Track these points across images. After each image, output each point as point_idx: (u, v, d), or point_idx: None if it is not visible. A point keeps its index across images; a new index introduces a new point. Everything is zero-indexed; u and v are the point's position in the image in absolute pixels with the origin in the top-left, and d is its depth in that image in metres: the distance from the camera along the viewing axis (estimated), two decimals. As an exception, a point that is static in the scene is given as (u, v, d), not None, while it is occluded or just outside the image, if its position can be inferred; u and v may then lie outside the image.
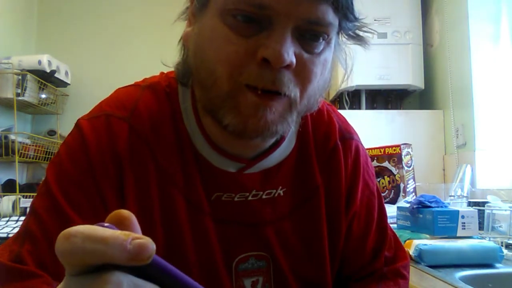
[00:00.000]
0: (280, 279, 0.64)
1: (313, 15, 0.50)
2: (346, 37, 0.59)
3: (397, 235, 0.76)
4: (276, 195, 0.64)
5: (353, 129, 0.73)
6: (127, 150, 0.58)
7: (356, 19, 0.55)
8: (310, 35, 0.52)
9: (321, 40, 0.53)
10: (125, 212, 0.32)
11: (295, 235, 0.64)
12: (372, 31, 0.61)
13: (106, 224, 0.31)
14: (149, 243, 0.29)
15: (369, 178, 0.72)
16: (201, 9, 0.55)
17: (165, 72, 0.66)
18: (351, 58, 0.63)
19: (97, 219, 0.54)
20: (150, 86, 0.63)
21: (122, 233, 0.29)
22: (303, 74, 0.53)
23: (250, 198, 0.62)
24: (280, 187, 0.64)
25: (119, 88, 0.65)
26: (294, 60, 0.50)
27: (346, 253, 0.69)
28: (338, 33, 0.57)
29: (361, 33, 0.59)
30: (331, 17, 0.51)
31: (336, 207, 0.67)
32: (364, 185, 0.70)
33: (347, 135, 0.70)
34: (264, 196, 0.63)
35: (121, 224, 0.31)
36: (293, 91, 0.52)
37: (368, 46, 0.61)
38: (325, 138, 0.68)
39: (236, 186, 0.62)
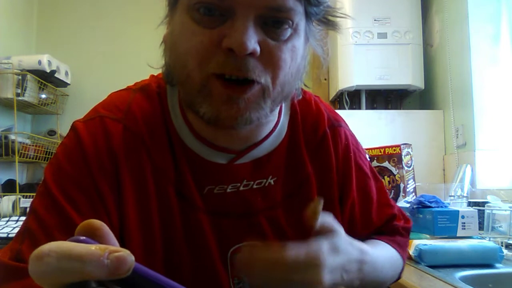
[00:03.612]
0: None
1: (273, 2, 0.52)
2: (316, 23, 0.60)
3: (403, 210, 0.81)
4: (266, 184, 0.65)
5: (340, 117, 0.75)
6: (123, 148, 0.59)
7: (320, 3, 0.56)
8: (274, 22, 0.54)
9: (285, 27, 0.54)
10: (96, 222, 0.31)
11: (287, 223, 0.66)
12: (344, 15, 0.61)
13: (82, 238, 0.30)
14: (127, 255, 0.29)
15: (362, 162, 0.74)
16: (172, 8, 0.58)
17: (155, 74, 0.68)
18: (326, 44, 0.64)
19: (95, 216, 0.55)
20: (142, 89, 0.65)
21: (98, 247, 0.29)
22: (271, 60, 0.54)
23: (241, 188, 0.64)
24: (271, 176, 0.65)
25: (112, 93, 0.67)
26: (257, 48, 0.52)
27: (350, 235, 0.71)
28: (307, 20, 0.58)
29: (332, 18, 0.60)
30: (292, 2, 0.53)
31: (328, 194, 0.68)
32: (357, 170, 0.72)
33: (336, 123, 0.72)
34: (255, 186, 0.64)
35: (93, 235, 0.31)
36: (263, 77, 0.54)
37: (340, 31, 0.62)
38: (315, 127, 0.70)
39: (227, 177, 0.63)
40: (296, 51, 0.56)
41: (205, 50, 0.53)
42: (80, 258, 0.28)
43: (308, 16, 0.57)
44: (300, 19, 0.56)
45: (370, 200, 0.73)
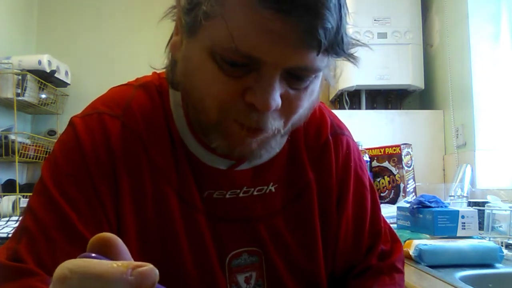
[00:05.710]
0: (273, 274, 0.64)
1: (301, 63, 0.50)
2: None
3: (394, 231, 0.77)
4: (267, 191, 0.65)
5: (344, 125, 0.74)
6: (120, 146, 0.58)
7: (345, 52, 0.53)
8: (298, 76, 0.52)
9: (309, 79, 0.53)
10: (108, 236, 0.30)
11: (287, 230, 0.65)
12: (363, 44, 0.59)
13: (93, 255, 0.29)
14: (151, 270, 0.28)
15: (362, 173, 0.73)
16: (191, 33, 0.53)
17: (158, 72, 0.67)
18: (338, 67, 0.61)
19: (93, 215, 0.55)
20: (143, 86, 0.64)
21: (120, 263, 0.28)
22: (288, 109, 0.54)
23: (241, 194, 0.63)
24: (272, 183, 0.65)
25: (112, 88, 0.66)
26: (280, 104, 0.51)
27: (341, 248, 0.69)
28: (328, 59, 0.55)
29: (352, 53, 0.57)
30: (319, 61, 0.50)
31: (327, 201, 0.68)
32: (356, 180, 0.71)
33: (339, 131, 0.71)
34: (255, 193, 0.64)
35: (107, 249, 0.30)
36: (277, 125, 0.54)
37: (357, 63, 0.58)
38: (317, 134, 0.69)
39: (227, 183, 0.63)
40: (313, 93, 0.56)
41: (228, 99, 0.52)
42: (102, 277, 0.27)
43: (329, 58, 0.54)
44: (323, 69, 0.54)
45: (365, 212, 0.72)
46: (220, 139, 0.55)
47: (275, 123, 0.53)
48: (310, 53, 0.49)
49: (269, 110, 0.50)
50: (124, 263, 0.28)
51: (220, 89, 0.52)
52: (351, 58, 0.57)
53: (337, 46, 0.50)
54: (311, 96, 0.56)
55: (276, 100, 0.50)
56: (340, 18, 0.49)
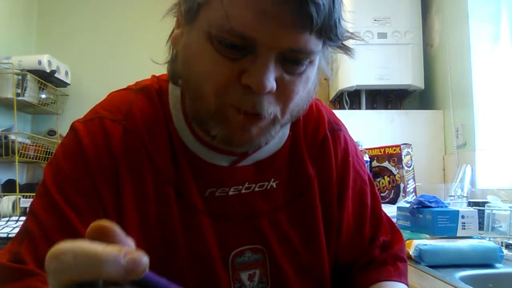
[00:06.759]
0: (277, 271, 0.65)
1: (295, 45, 0.50)
2: (331, 49, 0.59)
3: (393, 222, 0.78)
4: (268, 187, 0.65)
5: (340, 121, 0.75)
6: (122, 150, 0.59)
7: (339, 39, 0.54)
8: (293, 60, 0.53)
9: (304, 63, 0.54)
10: (107, 224, 0.31)
11: (290, 226, 0.66)
12: (359, 38, 0.60)
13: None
14: (142, 257, 0.29)
15: (360, 167, 0.74)
16: (190, 20, 0.55)
17: (157, 75, 0.67)
18: (336, 61, 0.62)
19: (94, 217, 0.55)
20: (143, 89, 0.65)
21: (114, 247, 0.29)
22: (284, 94, 0.54)
23: (243, 191, 0.63)
24: (273, 179, 0.65)
25: (112, 92, 0.66)
26: (274, 86, 0.52)
27: (344, 242, 0.70)
28: (323, 48, 0.56)
29: (347, 44, 0.59)
30: (313, 44, 0.51)
31: (328, 196, 0.69)
32: (355, 174, 0.72)
33: (336, 127, 0.72)
34: (256, 189, 0.64)
35: (105, 237, 0.30)
36: (273, 111, 0.54)
37: (353, 55, 0.60)
38: (315, 130, 0.70)
39: (229, 179, 0.63)
40: (308, 81, 0.56)
41: (225, 82, 0.52)
42: (97, 256, 0.28)
43: (324, 45, 0.55)
44: (317, 54, 0.55)
45: (365, 206, 0.72)
46: (218, 127, 0.55)
47: (271, 108, 0.54)
48: (303, 34, 0.50)
49: (263, 91, 0.51)
50: (117, 247, 0.29)
51: (217, 72, 0.52)
52: (346, 49, 0.59)
53: (331, 30, 0.51)
54: (307, 84, 0.56)
55: (271, 81, 0.51)
56: (333, 2, 0.50)
